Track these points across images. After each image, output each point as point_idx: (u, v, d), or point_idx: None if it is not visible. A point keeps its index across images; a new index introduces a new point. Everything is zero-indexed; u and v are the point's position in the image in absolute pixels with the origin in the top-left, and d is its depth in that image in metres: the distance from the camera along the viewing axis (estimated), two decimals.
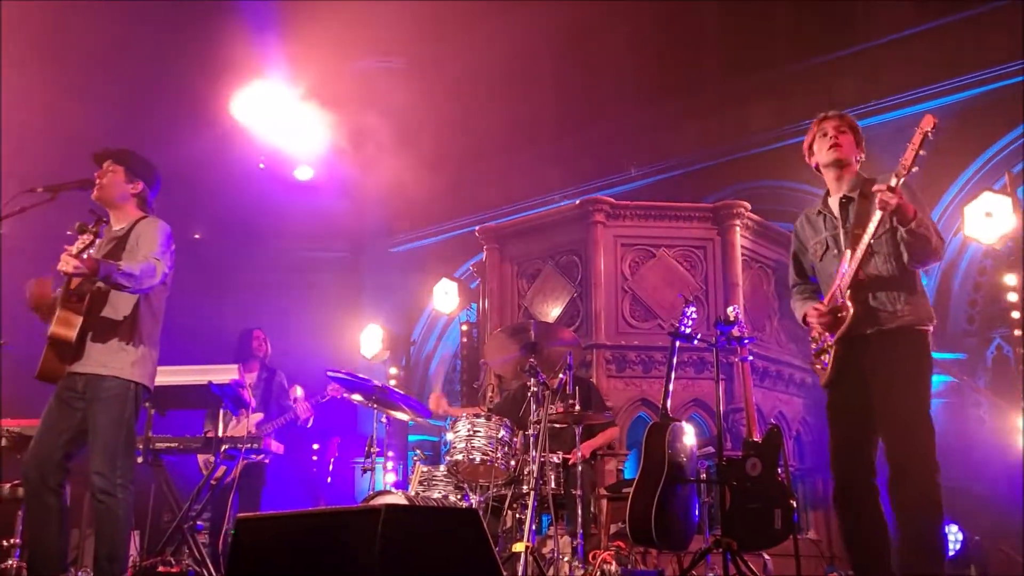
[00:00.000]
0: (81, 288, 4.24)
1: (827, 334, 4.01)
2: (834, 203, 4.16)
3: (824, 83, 10.37)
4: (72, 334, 4.17)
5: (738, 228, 7.85)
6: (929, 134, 3.77)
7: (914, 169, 3.79)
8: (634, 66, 12.38)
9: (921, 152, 3.78)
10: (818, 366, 4.10)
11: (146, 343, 4.38)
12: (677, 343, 5.90)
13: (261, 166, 12.78)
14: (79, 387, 4.27)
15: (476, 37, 13.64)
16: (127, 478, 4.22)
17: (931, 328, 3.94)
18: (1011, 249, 7.55)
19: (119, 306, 4.33)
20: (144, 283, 4.23)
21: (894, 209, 3.73)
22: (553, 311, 7.96)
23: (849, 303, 3.90)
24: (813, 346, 4.15)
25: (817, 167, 4.25)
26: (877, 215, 3.81)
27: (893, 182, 3.74)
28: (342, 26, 11.83)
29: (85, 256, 4.07)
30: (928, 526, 3.75)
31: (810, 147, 4.27)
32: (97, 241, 4.32)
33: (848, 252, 3.95)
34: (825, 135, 4.16)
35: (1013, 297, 7.56)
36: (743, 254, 7.88)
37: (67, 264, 4.03)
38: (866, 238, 3.85)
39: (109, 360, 4.27)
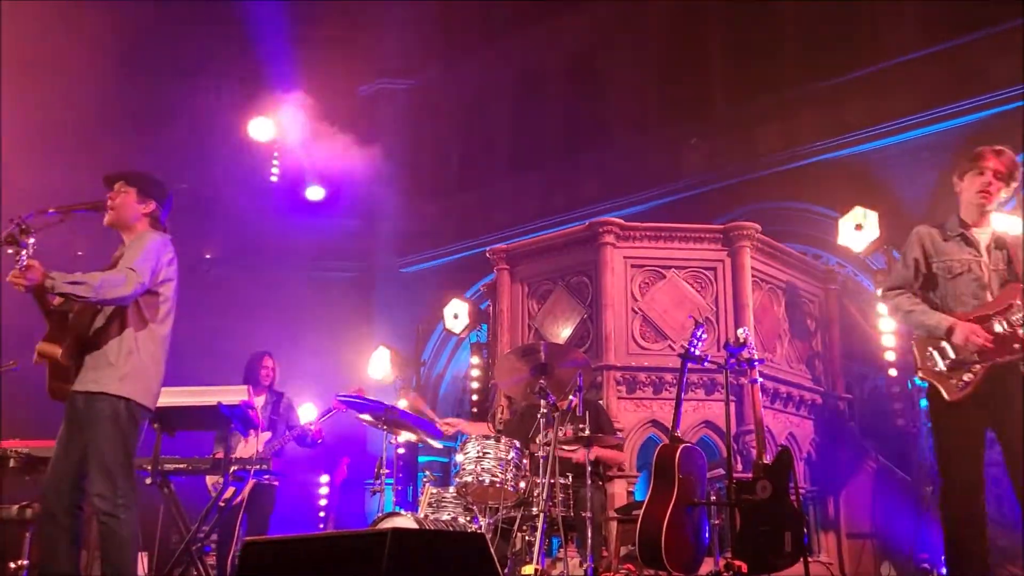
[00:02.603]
0: (62, 306, 4.22)
1: (975, 355, 4.12)
2: (981, 235, 4.35)
3: (832, 105, 10.40)
4: (58, 351, 4.11)
5: (748, 249, 7.83)
6: None
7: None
8: (642, 88, 12.42)
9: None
10: (952, 381, 4.19)
11: (139, 357, 4.29)
12: (687, 365, 5.90)
13: (273, 179, 12.86)
14: (80, 405, 4.24)
15: (486, 60, 13.75)
16: (129, 498, 4.16)
17: None
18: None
19: (108, 321, 4.27)
20: (106, 293, 4.10)
21: None
22: (563, 332, 7.95)
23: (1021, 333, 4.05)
24: (938, 358, 4.24)
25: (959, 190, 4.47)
26: None
27: None
28: (354, 49, 11.95)
29: (22, 266, 3.97)
30: None
31: (963, 172, 4.44)
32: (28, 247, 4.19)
33: (996, 286, 4.21)
34: (982, 174, 4.33)
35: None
36: (753, 275, 7.86)
37: (17, 281, 3.96)
38: None
39: (99, 376, 4.21)
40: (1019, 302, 4.08)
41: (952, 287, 4.30)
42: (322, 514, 10.26)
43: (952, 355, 4.20)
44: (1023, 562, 6.50)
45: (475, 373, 10.83)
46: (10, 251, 4.01)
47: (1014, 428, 4.06)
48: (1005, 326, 4.09)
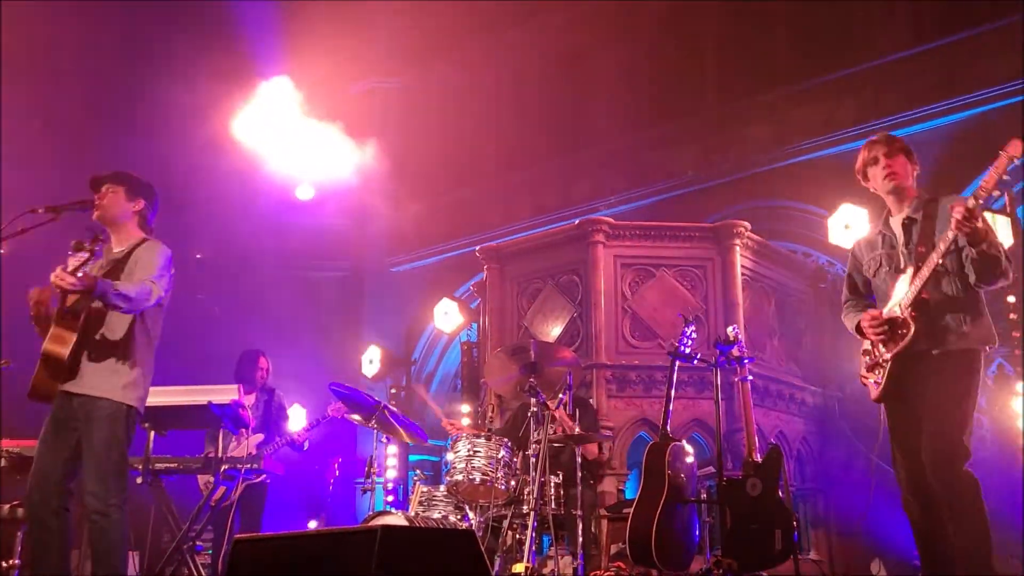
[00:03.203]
0: (76, 306, 4.23)
1: (883, 350, 4.04)
2: (896, 223, 4.20)
3: (822, 104, 10.43)
4: (65, 351, 4.16)
5: (738, 248, 7.86)
6: (1015, 159, 3.81)
7: (995, 193, 3.90)
8: (633, 87, 12.44)
9: (1005, 177, 3.83)
10: (871, 380, 4.12)
11: (140, 366, 4.38)
12: (677, 363, 5.91)
13: (264, 182, 12.82)
14: (74, 407, 4.26)
15: (475, 58, 13.75)
16: (121, 498, 4.22)
17: (989, 349, 3.98)
18: (1011, 269, 7.54)
19: (115, 327, 4.33)
20: (139, 305, 4.25)
21: (971, 230, 3.74)
22: (553, 330, 7.96)
23: (911, 320, 3.92)
24: (866, 359, 4.17)
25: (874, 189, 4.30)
26: (950, 235, 3.84)
27: (971, 204, 3.75)
28: (341, 48, 11.92)
29: (81, 273, 4.07)
30: (978, 551, 3.79)
31: (862, 172, 4.30)
32: (97, 261, 4.35)
33: (911, 270, 3.99)
34: (877, 162, 4.20)
35: (1014, 316, 7.55)
36: (743, 274, 7.89)
37: (61, 279, 4.03)
38: (935, 257, 3.88)
39: (102, 382, 4.27)
40: (912, 283, 3.92)
41: (876, 286, 4.25)
42: (313, 522, 10.25)
43: (870, 355, 4.13)
44: (1021, 557, 6.52)
45: (465, 372, 10.82)
46: (76, 256, 4.11)
47: (926, 419, 3.89)
48: (899, 311, 3.96)
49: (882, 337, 4.01)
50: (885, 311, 4.07)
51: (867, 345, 4.17)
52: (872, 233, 4.36)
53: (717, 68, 11.77)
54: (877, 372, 4.08)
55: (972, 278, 3.92)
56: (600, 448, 6.58)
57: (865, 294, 4.40)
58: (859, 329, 4.17)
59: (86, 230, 4.24)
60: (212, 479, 5.91)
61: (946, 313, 3.95)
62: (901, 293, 4.00)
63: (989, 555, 3.78)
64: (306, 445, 7.18)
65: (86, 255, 4.13)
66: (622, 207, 11.41)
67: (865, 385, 4.21)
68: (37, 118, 9.53)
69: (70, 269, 4.06)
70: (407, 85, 14.48)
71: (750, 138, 11.06)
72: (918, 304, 3.93)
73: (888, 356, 4.01)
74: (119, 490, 4.22)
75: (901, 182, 4.16)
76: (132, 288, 4.22)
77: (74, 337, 4.19)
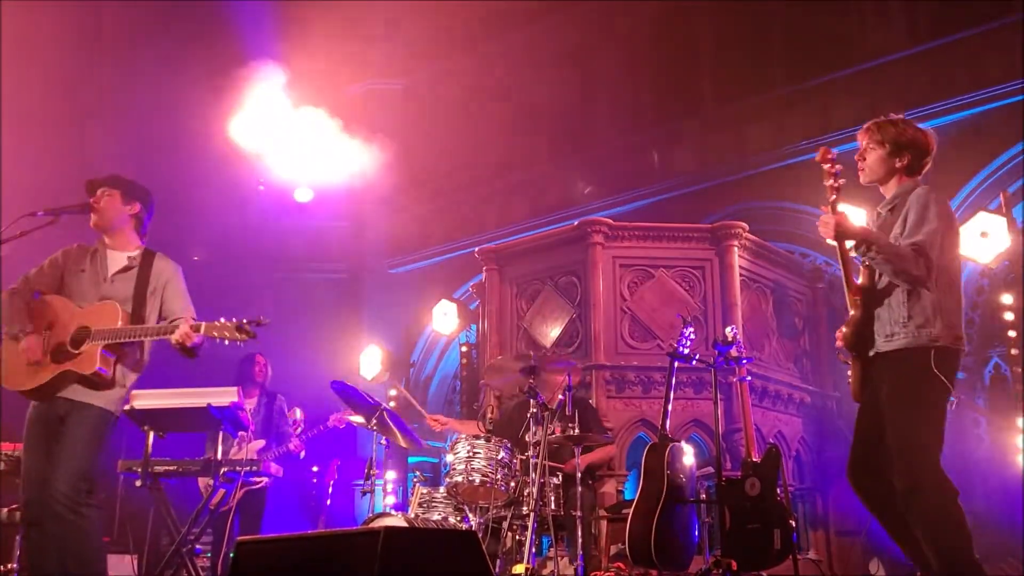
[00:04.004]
0: (53, 337, 4.32)
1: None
2: (868, 219, 4.26)
3: (820, 105, 10.45)
4: (32, 385, 4.27)
5: (736, 248, 7.87)
6: (825, 165, 3.94)
7: (832, 197, 3.93)
8: (631, 88, 12.45)
9: (835, 183, 3.92)
10: (850, 382, 4.10)
11: (134, 378, 4.52)
12: (675, 363, 5.93)
13: (261, 188, 12.82)
14: (61, 412, 4.31)
15: (474, 59, 13.75)
16: (90, 495, 4.24)
17: (941, 345, 3.82)
18: (1007, 268, 7.58)
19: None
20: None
21: (835, 239, 3.81)
22: (552, 332, 7.97)
23: (850, 320, 3.92)
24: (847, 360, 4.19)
25: None
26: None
27: (824, 218, 3.86)
28: (341, 49, 11.92)
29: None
30: (945, 549, 3.70)
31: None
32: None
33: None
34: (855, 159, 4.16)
35: (1010, 316, 7.58)
36: (741, 274, 7.90)
37: (188, 338, 4.28)
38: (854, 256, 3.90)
39: (98, 395, 4.34)
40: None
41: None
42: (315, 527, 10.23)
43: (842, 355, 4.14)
44: (1022, 559, 6.53)
45: (464, 374, 10.83)
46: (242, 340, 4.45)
47: (890, 421, 3.85)
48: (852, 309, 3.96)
49: (841, 337, 4.01)
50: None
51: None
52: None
53: (714, 69, 11.78)
54: (849, 372, 4.10)
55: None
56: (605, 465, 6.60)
57: None
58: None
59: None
60: (212, 482, 5.90)
61: (882, 311, 3.92)
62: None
63: (970, 562, 3.71)
64: (302, 454, 7.20)
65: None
66: (620, 208, 11.42)
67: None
68: (31, 120, 9.51)
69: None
70: (406, 87, 14.49)
71: (747, 139, 11.07)
72: (853, 303, 3.94)
73: (846, 359, 4.04)
74: (89, 491, 4.24)
75: (869, 180, 4.14)
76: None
77: (53, 368, 4.27)
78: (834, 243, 3.88)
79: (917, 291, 3.85)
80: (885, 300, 3.92)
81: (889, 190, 4.12)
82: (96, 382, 4.27)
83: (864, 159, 4.12)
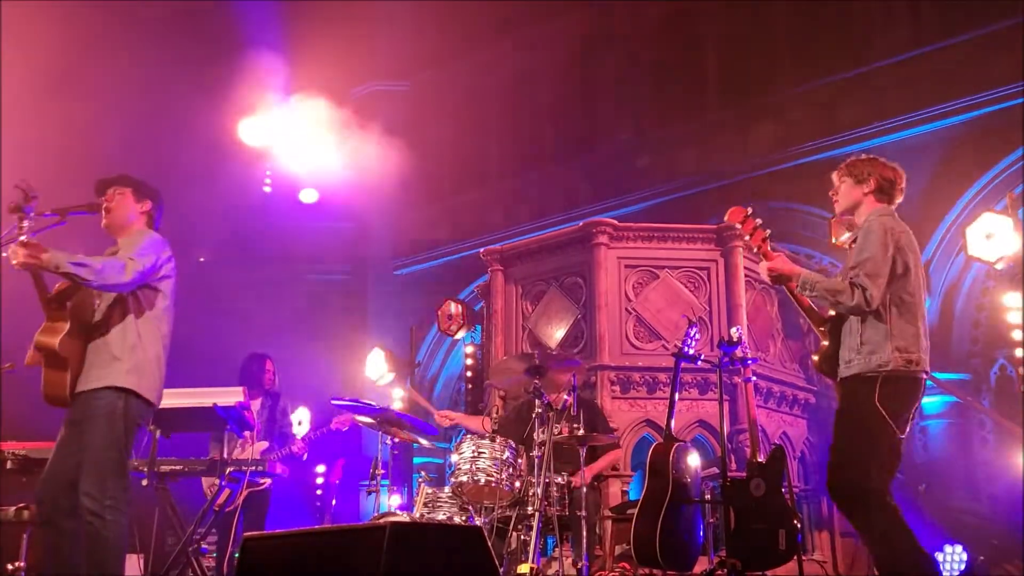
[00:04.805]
0: (61, 294, 4.16)
1: None
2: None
3: (824, 106, 10.45)
4: (55, 341, 4.04)
5: (741, 249, 7.86)
6: (739, 225, 4.36)
7: (757, 248, 4.34)
8: (635, 89, 12.46)
9: (760, 235, 4.33)
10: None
11: (144, 353, 4.27)
12: (680, 364, 5.93)
13: (267, 188, 12.85)
14: (80, 405, 4.18)
15: (479, 61, 13.77)
16: (118, 499, 4.06)
17: (890, 371, 3.93)
18: (1013, 270, 7.57)
19: (107, 316, 4.25)
20: (109, 278, 4.09)
21: (773, 284, 4.14)
22: (557, 333, 7.97)
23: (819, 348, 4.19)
24: None
25: None
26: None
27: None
28: (346, 51, 11.94)
29: (24, 239, 3.91)
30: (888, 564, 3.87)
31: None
32: (26, 224, 4.07)
33: None
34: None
35: (1015, 318, 7.57)
36: (746, 275, 7.89)
37: (17, 255, 3.89)
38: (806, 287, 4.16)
39: (103, 372, 4.18)
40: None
41: None
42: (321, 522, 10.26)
43: None
44: (1022, 560, 6.53)
45: (469, 375, 10.83)
46: (19, 228, 3.94)
47: (834, 438, 4.08)
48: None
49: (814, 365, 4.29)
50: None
51: None
52: None
53: (719, 71, 11.79)
54: None
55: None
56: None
57: None
58: None
59: (14, 187, 4.01)
60: (216, 482, 5.92)
61: (845, 338, 4.11)
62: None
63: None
64: (304, 456, 7.21)
65: (20, 218, 3.96)
66: (625, 209, 11.42)
67: None
68: (37, 120, 9.53)
69: (19, 240, 3.89)
70: (411, 87, 14.51)
71: (752, 140, 11.08)
72: (822, 334, 4.22)
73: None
74: (117, 490, 4.08)
75: (841, 209, 4.39)
76: (97, 260, 4.08)
77: (65, 325, 4.08)
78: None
79: (868, 318, 4.00)
80: (845, 327, 4.11)
81: (860, 217, 4.29)
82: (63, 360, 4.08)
83: (837, 193, 4.38)
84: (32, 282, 4.06)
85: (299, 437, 7.24)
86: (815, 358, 4.24)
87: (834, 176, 4.38)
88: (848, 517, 4.02)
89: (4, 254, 3.97)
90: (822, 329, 4.22)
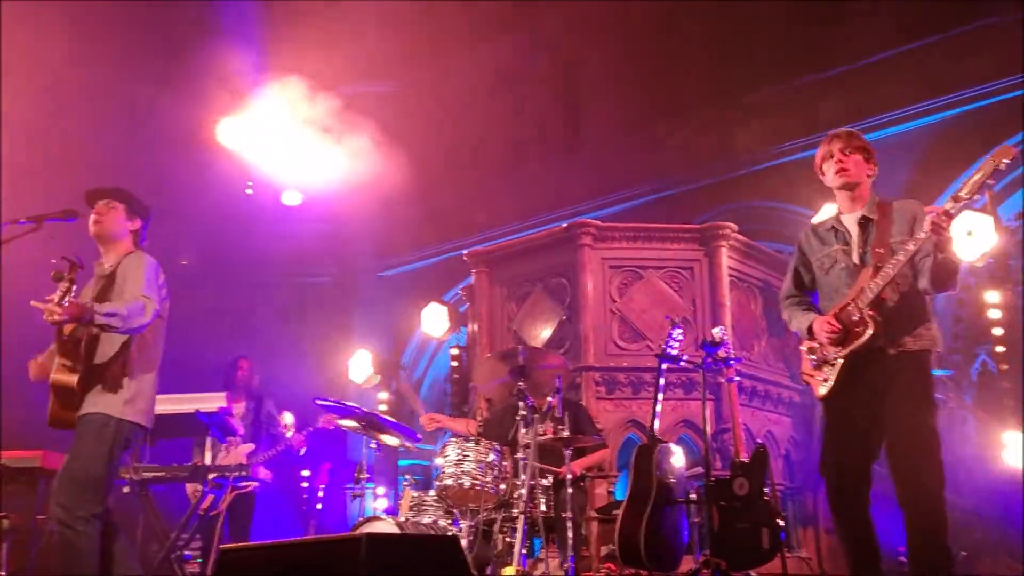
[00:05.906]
0: (76, 333, 4.25)
1: (833, 348, 4.03)
2: (850, 220, 4.19)
3: (809, 104, 10.46)
4: (73, 380, 4.18)
5: (725, 249, 7.88)
6: (1001, 165, 3.83)
7: (976, 196, 3.87)
8: (620, 89, 12.46)
9: (990, 181, 3.85)
10: (819, 378, 4.10)
11: (140, 380, 4.36)
12: (664, 365, 5.94)
13: (249, 191, 12.81)
14: (78, 426, 4.27)
15: (463, 62, 13.75)
16: (90, 512, 4.10)
17: (936, 352, 4.07)
18: (992, 267, 7.61)
19: (107, 349, 4.33)
20: (134, 322, 4.20)
21: (941, 236, 3.78)
22: (543, 334, 7.97)
23: (869, 320, 3.91)
24: (812, 357, 4.17)
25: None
26: (922, 235, 3.85)
27: (950, 207, 3.79)
28: (329, 51, 11.91)
29: (67, 302, 4.04)
30: (942, 541, 3.79)
31: (819, 167, 4.30)
32: (88, 282, 4.34)
33: (870, 269, 3.99)
34: (832, 156, 4.18)
35: (996, 314, 7.61)
36: (730, 274, 7.92)
37: (52, 315, 4.01)
38: (902, 258, 3.89)
39: (103, 400, 4.26)
40: (873, 283, 3.93)
41: (827, 282, 4.22)
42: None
43: (818, 353, 4.13)
44: (1022, 557, 6.55)
45: (455, 377, 10.82)
46: (59, 287, 4.07)
47: (892, 418, 3.89)
48: (856, 312, 3.95)
49: (836, 336, 4.02)
50: (835, 309, 4.08)
51: (813, 343, 4.18)
52: (822, 229, 4.34)
53: (704, 69, 11.79)
54: (825, 370, 4.08)
55: (923, 283, 3.98)
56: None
57: (809, 290, 4.42)
58: (810, 330, 4.18)
59: (62, 259, 4.17)
60: (200, 488, 5.90)
61: (902, 314, 3.98)
62: (856, 292, 4.00)
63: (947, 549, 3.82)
64: (302, 451, 7.19)
65: (67, 284, 4.10)
66: (610, 209, 11.43)
67: (808, 383, 4.22)
68: (23, 127, 9.47)
69: (56, 300, 4.03)
70: (395, 89, 14.47)
71: (736, 139, 11.09)
72: (877, 304, 3.94)
73: (842, 354, 4.00)
74: (91, 504, 4.12)
75: (850, 180, 4.16)
76: (123, 306, 4.19)
77: (80, 365, 4.21)
78: (926, 234, 3.88)
79: (924, 298, 4.13)
80: (905, 299, 4.04)
81: (861, 194, 4.19)
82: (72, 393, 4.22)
83: (847, 158, 4.16)
84: (55, 328, 4.17)
85: (290, 436, 7.21)
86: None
87: (836, 143, 4.18)
88: (919, 499, 3.83)
89: (37, 305, 4.07)
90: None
